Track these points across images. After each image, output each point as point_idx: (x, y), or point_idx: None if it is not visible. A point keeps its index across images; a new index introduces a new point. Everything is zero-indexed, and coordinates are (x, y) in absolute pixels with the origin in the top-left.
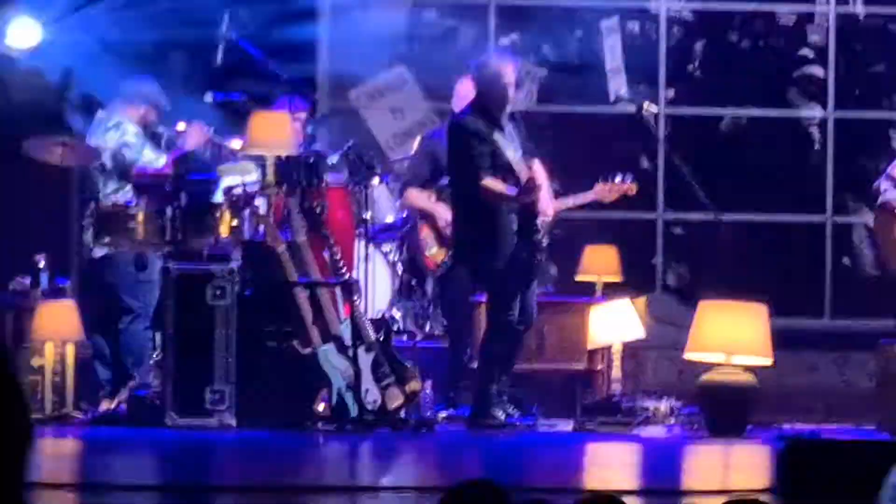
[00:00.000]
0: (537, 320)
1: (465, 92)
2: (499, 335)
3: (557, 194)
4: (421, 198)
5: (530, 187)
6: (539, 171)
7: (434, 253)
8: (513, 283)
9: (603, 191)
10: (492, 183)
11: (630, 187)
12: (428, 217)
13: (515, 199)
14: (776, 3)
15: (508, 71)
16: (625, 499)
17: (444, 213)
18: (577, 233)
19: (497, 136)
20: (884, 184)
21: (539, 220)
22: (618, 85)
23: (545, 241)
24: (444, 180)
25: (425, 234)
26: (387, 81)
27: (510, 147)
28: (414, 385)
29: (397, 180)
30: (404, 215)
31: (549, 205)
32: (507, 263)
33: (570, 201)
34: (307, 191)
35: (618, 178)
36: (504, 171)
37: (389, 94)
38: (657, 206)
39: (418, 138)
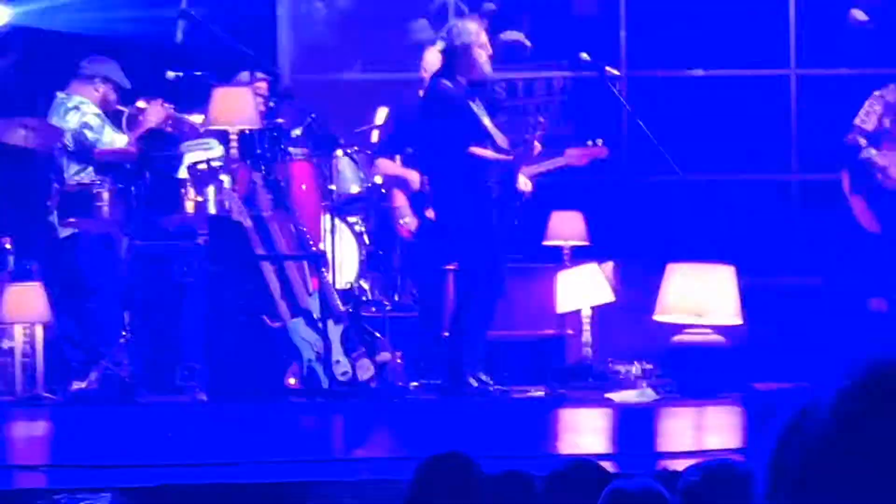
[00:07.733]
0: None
1: (433, 59)
2: (471, 303)
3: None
4: (392, 166)
5: (530, 148)
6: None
7: (408, 221)
8: (487, 252)
9: (574, 155)
10: (479, 151)
11: (602, 150)
12: (401, 184)
13: (508, 158)
14: None
15: (479, 35)
16: (599, 463)
17: (416, 179)
18: (543, 198)
19: (471, 103)
20: (860, 139)
21: (518, 188)
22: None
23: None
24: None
25: (400, 202)
26: None
27: (484, 113)
28: (384, 355)
29: (361, 151)
30: (370, 185)
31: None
32: (486, 232)
33: (543, 167)
34: (271, 165)
35: (589, 142)
36: (483, 138)
37: None
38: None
39: (385, 109)
